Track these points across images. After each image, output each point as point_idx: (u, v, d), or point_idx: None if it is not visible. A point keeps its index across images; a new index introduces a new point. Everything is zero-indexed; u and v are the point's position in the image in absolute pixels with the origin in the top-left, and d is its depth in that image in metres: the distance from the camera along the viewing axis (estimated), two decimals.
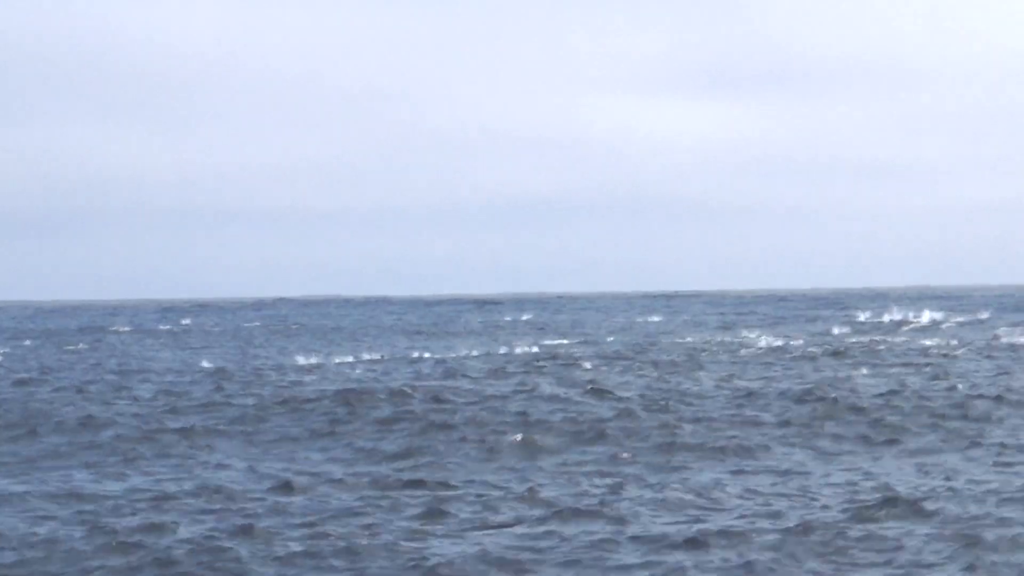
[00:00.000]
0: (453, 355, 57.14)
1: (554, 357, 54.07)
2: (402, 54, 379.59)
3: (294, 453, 27.84)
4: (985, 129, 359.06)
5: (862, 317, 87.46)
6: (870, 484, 22.10)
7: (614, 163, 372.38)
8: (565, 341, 68.85)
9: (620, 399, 35.31)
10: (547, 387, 39.02)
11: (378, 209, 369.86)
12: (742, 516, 19.50)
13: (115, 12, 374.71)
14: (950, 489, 21.21)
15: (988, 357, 50.06)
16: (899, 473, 23.57)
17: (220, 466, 25.67)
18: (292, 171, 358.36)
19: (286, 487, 22.66)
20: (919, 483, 22.13)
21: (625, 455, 26.26)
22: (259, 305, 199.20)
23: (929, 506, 19.75)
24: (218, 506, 20.91)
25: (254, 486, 22.93)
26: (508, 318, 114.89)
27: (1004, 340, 60.14)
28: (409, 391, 37.00)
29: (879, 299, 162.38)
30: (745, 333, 71.74)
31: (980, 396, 34.61)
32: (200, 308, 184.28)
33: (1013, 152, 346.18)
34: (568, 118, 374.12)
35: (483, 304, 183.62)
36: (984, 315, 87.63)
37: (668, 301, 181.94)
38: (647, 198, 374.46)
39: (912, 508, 19.56)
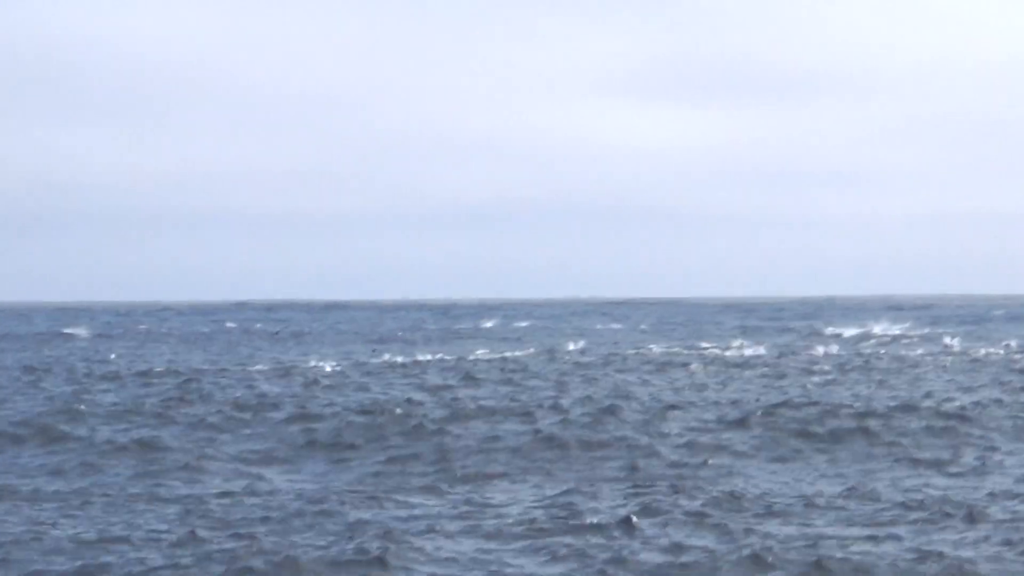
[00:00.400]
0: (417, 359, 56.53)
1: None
2: (364, 60, 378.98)
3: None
4: (952, 138, 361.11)
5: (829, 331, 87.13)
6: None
7: (577, 169, 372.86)
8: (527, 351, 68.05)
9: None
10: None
11: (336, 214, 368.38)
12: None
13: (87, 17, 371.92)
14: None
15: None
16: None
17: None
18: (253, 176, 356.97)
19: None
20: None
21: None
22: (215, 309, 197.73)
23: None
24: None
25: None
26: (467, 325, 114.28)
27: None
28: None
29: (844, 309, 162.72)
30: (705, 344, 71.57)
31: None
32: (165, 310, 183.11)
33: (981, 161, 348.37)
34: (531, 124, 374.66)
35: (448, 309, 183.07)
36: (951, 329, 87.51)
37: (619, 308, 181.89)
38: (611, 205, 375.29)
39: None
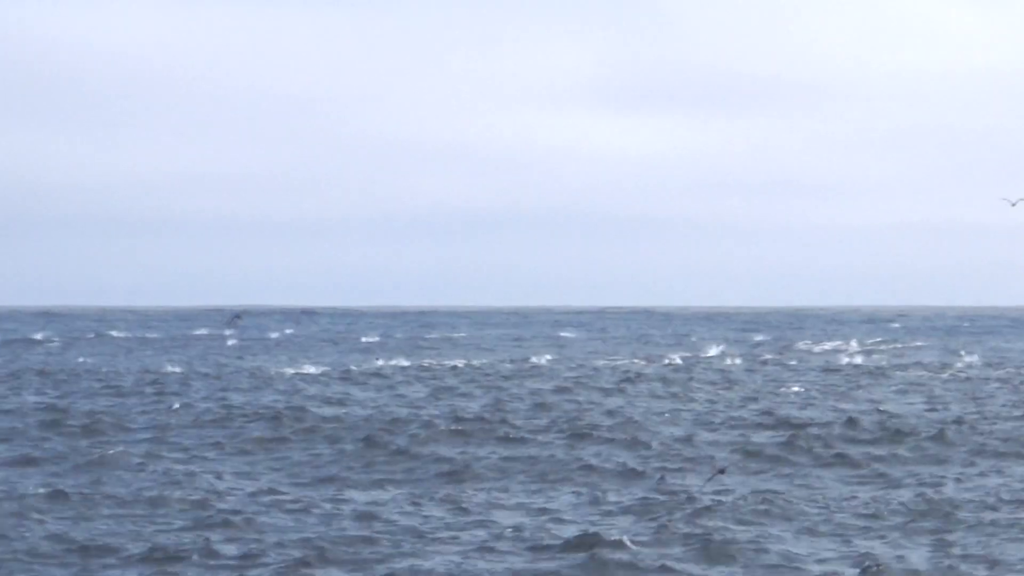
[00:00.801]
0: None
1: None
2: (337, 64, 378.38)
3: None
4: (915, 149, 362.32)
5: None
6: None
7: (547, 177, 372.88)
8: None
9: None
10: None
11: (305, 219, 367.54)
12: None
13: (49, 18, 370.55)
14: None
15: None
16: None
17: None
18: (221, 180, 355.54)
19: None
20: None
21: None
22: (195, 315, 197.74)
23: None
24: None
25: None
26: (436, 335, 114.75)
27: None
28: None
29: (819, 321, 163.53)
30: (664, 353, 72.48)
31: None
32: (129, 315, 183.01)
33: (942, 172, 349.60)
34: (501, 131, 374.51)
35: (421, 317, 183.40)
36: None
37: (590, 318, 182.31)
38: (580, 212, 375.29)
39: None
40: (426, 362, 64.68)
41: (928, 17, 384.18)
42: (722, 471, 24.84)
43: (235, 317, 56.66)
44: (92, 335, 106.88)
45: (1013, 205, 66.98)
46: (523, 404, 40.46)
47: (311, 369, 58.82)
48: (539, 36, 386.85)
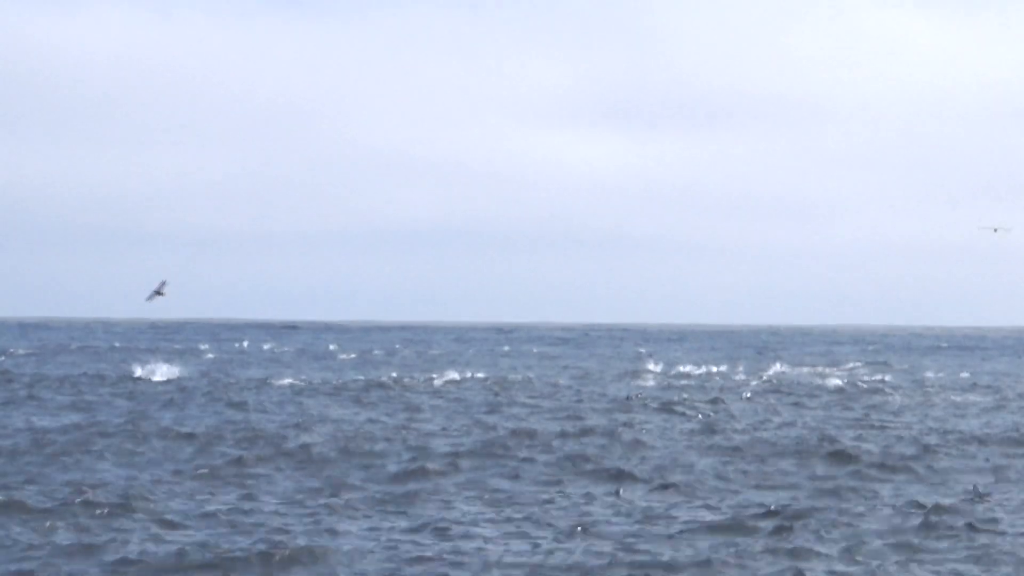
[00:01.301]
0: None
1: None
2: (313, 81, 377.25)
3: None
4: (886, 168, 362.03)
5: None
6: None
7: (525, 193, 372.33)
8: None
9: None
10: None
11: (282, 233, 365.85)
12: None
13: (30, 24, 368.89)
14: None
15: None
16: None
17: None
18: (207, 193, 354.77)
19: None
20: None
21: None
22: (177, 327, 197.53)
23: None
24: None
25: None
26: (380, 351, 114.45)
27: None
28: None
29: (783, 340, 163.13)
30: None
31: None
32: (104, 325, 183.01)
33: (914, 192, 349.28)
34: (480, 147, 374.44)
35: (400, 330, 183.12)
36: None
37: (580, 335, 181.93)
38: (558, 229, 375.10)
39: None
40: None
41: (906, 39, 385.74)
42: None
43: (157, 292, 54.98)
44: (75, 345, 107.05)
45: (995, 231, 66.78)
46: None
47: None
48: (519, 54, 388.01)
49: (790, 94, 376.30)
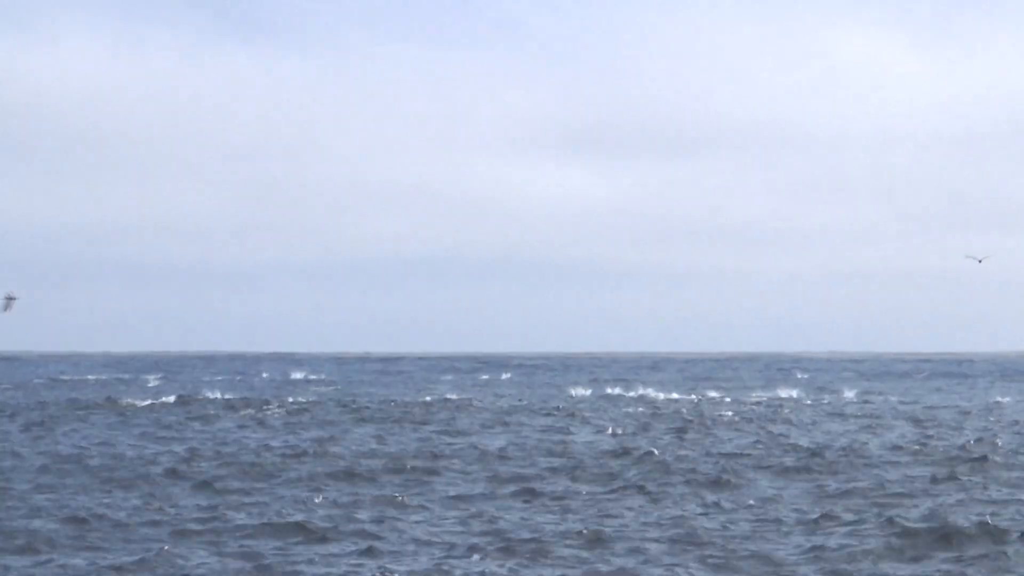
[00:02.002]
0: None
1: None
2: (282, 110, 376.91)
3: None
4: (857, 196, 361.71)
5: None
6: None
7: (493, 222, 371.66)
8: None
9: None
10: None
11: (247, 264, 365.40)
12: None
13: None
14: None
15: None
16: None
17: None
18: (168, 227, 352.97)
19: None
20: None
21: None
22: (105, 361, 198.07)
23: None
24: None
25: None
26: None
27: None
28: None
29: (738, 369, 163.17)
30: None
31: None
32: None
33: (882, 220, 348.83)
34: (442, 176, 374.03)
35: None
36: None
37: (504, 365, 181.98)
38: (526, 258, 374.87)
39: None
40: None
41: (873, 69, 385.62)
42: None
43: (8, 299, 54.49)
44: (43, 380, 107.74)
45: (980, 262, 67.11)
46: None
47: None
48: (489, 82, 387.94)
49: (761, 122, 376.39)
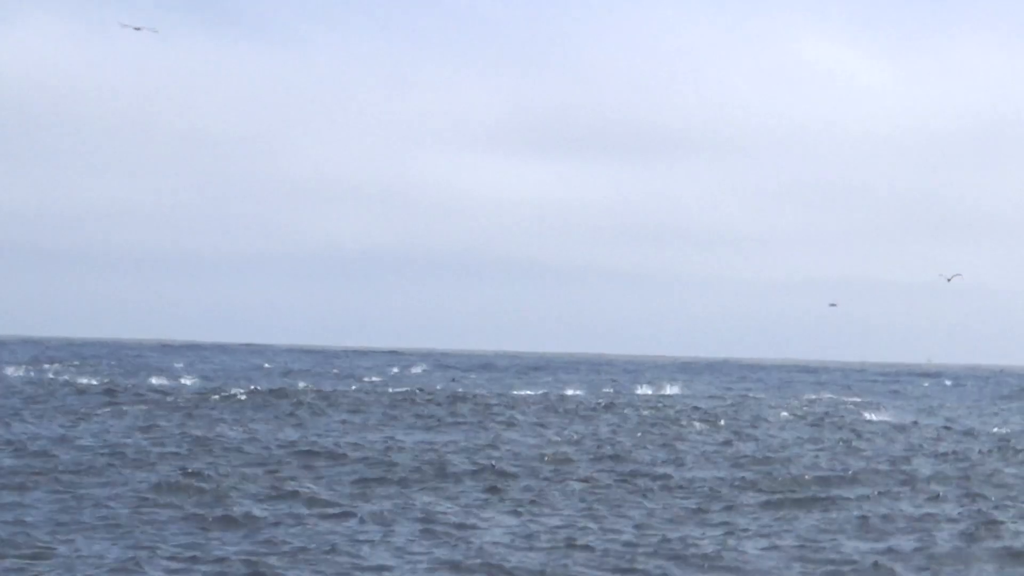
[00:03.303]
0: None
1: None
2: (242, 102, 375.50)
3: None
4: (817, 203, 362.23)
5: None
6: None
7: (451, 219, 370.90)
8: None
9: None
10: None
11: (205, 254, 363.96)
12: None
13: None
14: None
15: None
16: None
17: None
18: (136, 214, 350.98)
19: None
20: None
21: None
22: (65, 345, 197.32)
23: None
24: None
25: None
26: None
27: None
28: None
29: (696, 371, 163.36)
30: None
31: None
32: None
33: (846, 227, 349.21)
34: (402, 172, 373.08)
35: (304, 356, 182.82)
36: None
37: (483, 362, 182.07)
38: (480, 255, 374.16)
39: None
40: None
41: (836, 73, 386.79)
42: None
43: None
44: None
45: (949, 280, 67.28)
46: None
47: None
48: (448, 80, 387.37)
49: (722, 127, 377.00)
